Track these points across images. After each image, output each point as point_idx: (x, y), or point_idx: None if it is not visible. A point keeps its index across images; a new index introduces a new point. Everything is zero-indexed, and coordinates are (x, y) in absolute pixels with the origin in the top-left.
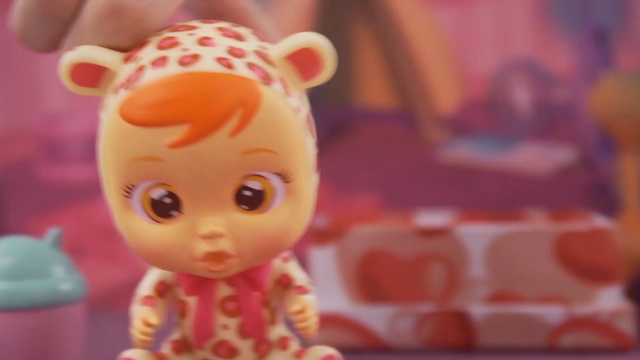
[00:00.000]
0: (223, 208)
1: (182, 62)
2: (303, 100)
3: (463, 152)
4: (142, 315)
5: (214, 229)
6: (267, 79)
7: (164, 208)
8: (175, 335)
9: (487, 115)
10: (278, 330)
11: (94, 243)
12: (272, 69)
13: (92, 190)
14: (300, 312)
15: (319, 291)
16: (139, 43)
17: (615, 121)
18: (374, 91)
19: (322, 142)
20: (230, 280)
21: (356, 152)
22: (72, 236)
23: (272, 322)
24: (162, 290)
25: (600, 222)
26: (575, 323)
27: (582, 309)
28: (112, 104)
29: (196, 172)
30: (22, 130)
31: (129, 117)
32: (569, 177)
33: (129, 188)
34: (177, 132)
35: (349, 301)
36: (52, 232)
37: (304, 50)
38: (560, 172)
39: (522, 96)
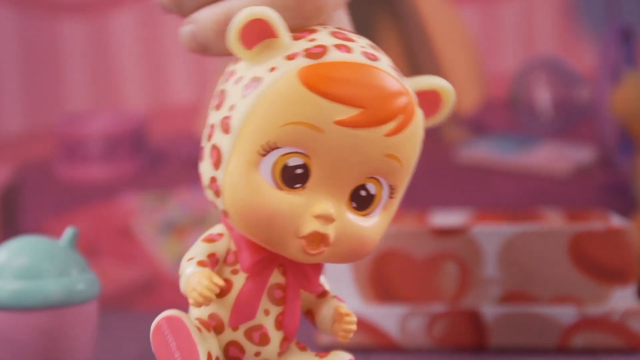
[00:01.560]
0: (340, 198)
1: (367, 56)
2: None
3: (481, 151)
4: (209, 274)
5: (330, 211)
6: (417, 103)
7: (292, 178)
8: (199, 314)
9: (507, 115)
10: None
11: (109, 243)
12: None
13: (109, 190)
14: (349, 314)
15: (332, 291)
16: (303, 30)
17: (635, 121)
18: None
19: None
20: (284, 270)
21: None
22: (87, 236)
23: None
24: (213, 262)
25: (616, 222)
26: (587, 323)
27: (595, 309)
28: (287, 67)
29: (344, 154)
30: (42, 130)
31: (310, 83)
32: (587, 176)
33: (271, 148)
34: (349, 112)
35: (361, 301)
36: (68, 232)
37: (431, 91)
38: (579, 171)
39: (543, 95)
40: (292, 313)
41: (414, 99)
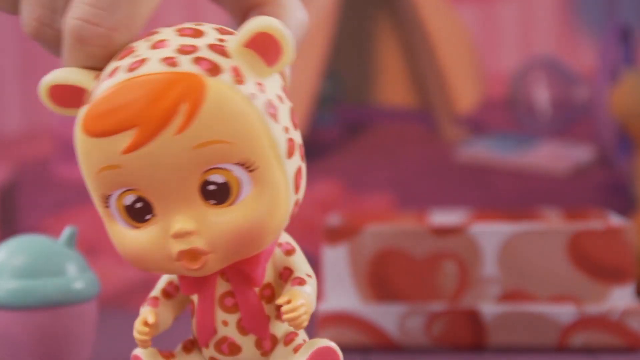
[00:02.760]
0: (191, 205)
1: (130, 69)
2: (267, 86)
3: (480, 151)
4: (142, 315)
5: (181, 227)
6: (213, 71)
7: (138, 213)
8: (189, 336)
9: (506, 114)
10: (285, 326)
11: (108, 242)
12: (224, 59)
13: None
14: (287, 302)
15: (331, 290)
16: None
17: (634, 120)
18: (393, 89)
19: (339, 141)
20: (227, 276)
21: (373, 150)
22: (86, 235)
23: (278, 317)
24: (170, 291)
25: (615, 221)
26: (586, 322)
27: (594, 308)
28: (77, 121)
29: (154, 173)
30: (41, 129)
31: (86, 129)
32: (586, 176)
33: (106, 198)
34: (127, 139)
35: (360, 300)
36: (67, 231)
37: (260, 35)
38: (578, 171)
39: (541, 95)
40: (250, 315)
41: (201, 74)
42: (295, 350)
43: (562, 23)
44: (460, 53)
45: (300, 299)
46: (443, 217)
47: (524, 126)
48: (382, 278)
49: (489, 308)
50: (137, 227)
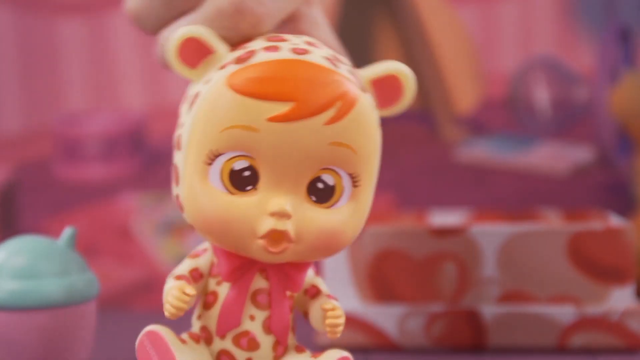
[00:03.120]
0: (295, 193)
1: (295, 51)
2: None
3: (480, 151)
4: (180, 285)
5: (284, 207)
6: (363, 88)
7: (241, 181)
8: (194, 328)
9: (505, 114)
10: (293, 339)
11: (108, 243)
12: (363, 84)
13: (108, 190)
14: (333, 309)
15: (331, 290)
16: (244, 42)
17: (634, 120)
18: None
19: None
20: (266, 274)
21: None
22: (86, 236)
23: (292, 328)
24: (196, 276)
25: (614, 221)
26: (586, 323)
27: (594, 309)
28: (217, 77)
29: (285, 150)
30: (41, 130)
31: (237, 86)
32: (586, 176)
33: (214, 155)
34: (280, 108)
35: (359, 301)
36: (67, 232)
37: (389, 77)
38: (578, 171)
39: (541, 95)
40: (279, 316)
41: (356, 86)
42: (314, 356)
43: (561, 23)
44: (460, 53)
45: (341, 310)
46: (443, 218)
47: (523, 126)
48: (382, 279)
49: (488, 309)
50: (233, 194)
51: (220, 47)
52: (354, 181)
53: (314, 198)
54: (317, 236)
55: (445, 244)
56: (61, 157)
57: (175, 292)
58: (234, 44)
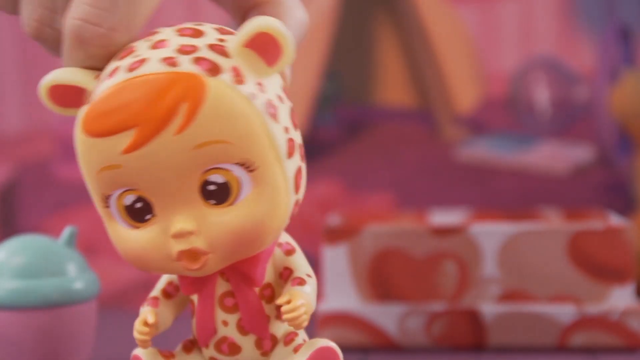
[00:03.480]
0: (192, 205)
1: (130, 69)
2: (267, 86)
3: (480, 150)
4: (142, 315)
5: (181, 227)
6: (213, 71)
7: (138, 213)
8: (190, 336)
9: (505, 114)
10: (285, 326)
11: (108, 241)
12: (224, 59)
13: None
14: (287, 302)
15: (331, 290)
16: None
17: (634, 120)
18: (393, 89)
19: (339, 141)
20: (227, 276)
21: (373, 150)
22: (86, 235)
23: (278, 317)
24: (170, 291)
25: (615, 221)
26: (586, 322)
27: (594, 308)
28: (77, 121)
29: (154, 173)
30: (41, 129)
31: (86, 129)
32: (586, 176)
33: (106, 198)
34: (127, 139)
35: (360, 300)
36: (67, 231)
37: (260, 35)
38: (578, 171)
39: (541, 95)
40: (250, 315)
41: (201, 74)
42: (295, 350)
43: (562, 23)
44: (460, 53)
45: (300, 299)
46: (443, 217)
47: (523, 126)
48: (382, 278)
49: (489, 308)
50: (137, 227)
51: (85, 81)
52: (247, 168)
53: (213, 201)
54: (230, 238)
55: (445, 243)
56: (61, 157)
57: (136, 325)
58: (107, 60)
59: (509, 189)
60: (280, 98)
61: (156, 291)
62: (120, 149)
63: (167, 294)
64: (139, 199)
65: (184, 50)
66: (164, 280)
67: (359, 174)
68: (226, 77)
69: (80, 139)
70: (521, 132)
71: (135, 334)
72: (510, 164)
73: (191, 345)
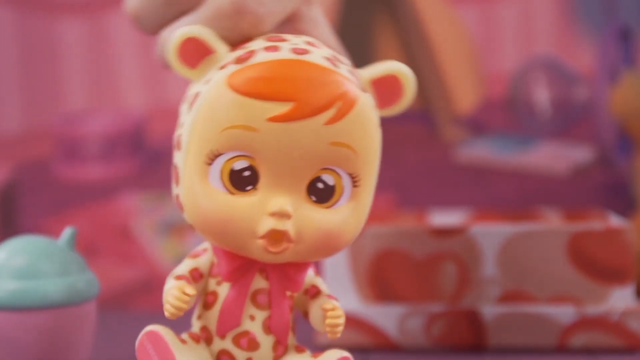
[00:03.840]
0: (295, 193)
1: (295, 51)
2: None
3: (480, 151)
4: (179, 285)
5: (284, 207)
6: (363, 87)
7: (242, 181)
8: (194, 328)
9: (505, 115)
10: (294, 339)
11: (108, 243)
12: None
13: (108, 190)
14: (333, 309)
15: (331, 290)
16: (244, 42)
17: (634, 120)
18: None
19: None
20: (266, 274)
21: None
22: (86, 236)
23: (292, 329)
24: (196, 276)
25: (615, 221)
26: (586, 323)
27: (593, 309)
28: (217, 77)
29: (285, 149)
30: (41, 130)
31: (237, 86)
32: (586, 176)
33: (214, 155)
34: (280, 108)
35: (359, 300)
36: (67, 232)
37: (388, 77)
38: (578, 171)
39: (541, 95)
40: (279, 316)
41: (356, 86)
42: (314, 356)
43: (561, 23)
44: (460, 53)
45: (341, 310)
46: (443, 218)
47: (523, 126)
48: (382, 279)
49: (488, 309)
50: (233, 194)
51: (220, 47)
52: (354, 181)
53: (314, 198)
54: (317, 236)
55: (445, 244)
56: (61, 157)
57: (175, 292)
58: (234, 44)
59: (509, 189)
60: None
61: (184, 271)
62: (267, 115)
63: (193, 277)
64: (250, 168)
65: (337, 59)
66: (188, 264)
67: None
68: (370, 97)
69: (221, 93)
70: (521, 133)
71: (173, 301)
72: (510, 164)
73: (197, 338)
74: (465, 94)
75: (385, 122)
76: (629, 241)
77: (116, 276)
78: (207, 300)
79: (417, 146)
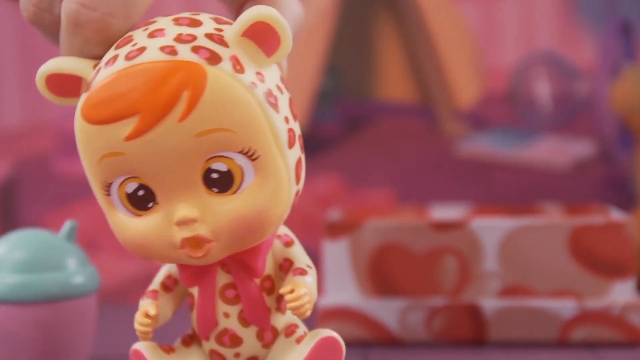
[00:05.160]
0: (194, 193)
1: (128, 57)
2: (266, 76)
3: (481, 146)
4: (142, 307)
5: (186, 214)
6: (213, 59)
7: (140, 201)
8: (188, 330)
9: (506, 109)
10: (285, 318)
11: (108, 236)
12: (223, 49)
13: None
14: (290, 292)
15: (331, 285)
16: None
17: (634, 115)
18: (394, 84)
19: (339, 136)
20: (227, 268)
21: (374, 145)
22: (86, 230)
23: (279, 309)
24: (169, 284)
25: (616, 216)
26: (587, 317)
27: (594, 303)
28: (77, 109)
29: (157, 160)
30: (40, 124)
31: (87, 117)
32: (587, 171)
33: (107, 186)
34: (129, 126)
35: (360, 295)
36: (67, 225)
37: (257, 24)
38: (579, 166)
39: (542, 90)
40: (252, 306)
41: (201, 63)
42: (298, 340)
43: (562, 18)
44: (461, 48)
45: (303, 289)
46: (443, 212)
47: (524, 121)
48: (382, 273)
49: (489, 303)
50: (139, 215)
51: (81, 69)
52: (249, 156)
53: (215, 189)
54: (233, 226)
55: (445, 238)
56: (61, 152)
57: (137, 317)
58: (103, 54)
59: (510, 184)
60: (279, 88)
61: (155, 284)
62: (122, 136)
63: (166, 287)
64: (141, 187)
65: (183, 39)
66: (162, 273)
67: (360, 169)
68: (226, 65)
69: (80, 127)
70: (522, 127)
71: (137, 326)
72: (511, 159)
73: (190, 340)
74: (465, 89)
75: (385, 117)
76: (629, 235)
77: (116, 270)
78: (189, 302)
79: (417, 140)
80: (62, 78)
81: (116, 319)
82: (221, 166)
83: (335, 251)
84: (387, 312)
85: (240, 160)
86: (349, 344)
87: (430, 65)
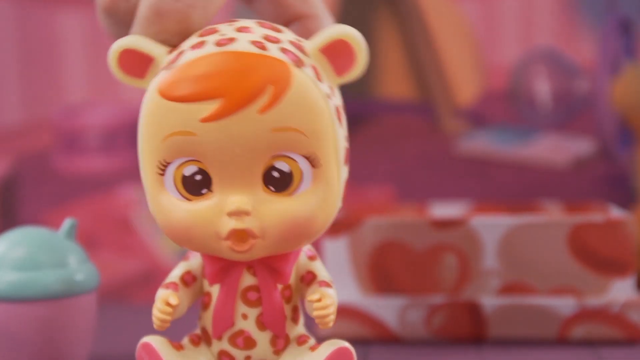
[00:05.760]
0: (251, 188)
1: (219, 43)
2: (335, 92)
3: (481, 143)
4: (163, 296)
5: (240, 205)
6: (299, 63)
7: (195, 185)
8: (196, 330)
9: (506, 107)
10: (298, 328)
11: (108, 234)
12: (305, 56)
13: (108, 181)
14: (318, 300)
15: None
16: (185, 39)
17: (635, 112)
18: (394, 82)
19: None
20: (254, 270)
21: (373, 143)
22: (86, 227)
23: (293, 319)
24: (188, 280)
25: (615, 213)
26: (586, 314)
27: (594, 301)
28: (151, 85)
29: (227, 147)
30: (40, 122)
31: (166, 93)
32: (586, 168)
33: (163, 165)
34: (210, 107)
35: (360, 292)
36: (67, 223)
37: (337, 42)
38: (579, 163)
39: (542, 87)
40: (272, 311)
41: (289, 63)
42: (312, 349)
43: (562, 16)
44: (461, 45)
45: (330, 299)
46: (443, 210)
47: (524, 119)
48: (382, 270)
49: (489, 301)
50: (190, 200)
51: (157, 51)
52: (312, 162)
53: (272, 188)
54: (282, 227)
55: (445, 235)
56: (61, 149)
57: (158, 304)
58: (177, 44)
59: (510, 181)
60: (342, 108)
61: (174, 278)
62: (199, 117)
63: (185, 282)
64: (200, 172)
65: (270, 39)
66: (181, 269)
67: (360, 167)
68: (309, 71)
69: (153, 102)
70: (522, 125)
71: (157, 314)
72: (511, 156)
73: (198, 340)
74: (465, 86)
75: (385, 114)
76: (629, 233)
77: (116, 268)
78: (203, 301)
79: (417, 138)
80: (134, 56)
81: (116, 317)
82: (284, 166)
83: (335, 249)
84: (387, 309)
85: (303, 164)
86: (348, 341)
87: (430, 63)
